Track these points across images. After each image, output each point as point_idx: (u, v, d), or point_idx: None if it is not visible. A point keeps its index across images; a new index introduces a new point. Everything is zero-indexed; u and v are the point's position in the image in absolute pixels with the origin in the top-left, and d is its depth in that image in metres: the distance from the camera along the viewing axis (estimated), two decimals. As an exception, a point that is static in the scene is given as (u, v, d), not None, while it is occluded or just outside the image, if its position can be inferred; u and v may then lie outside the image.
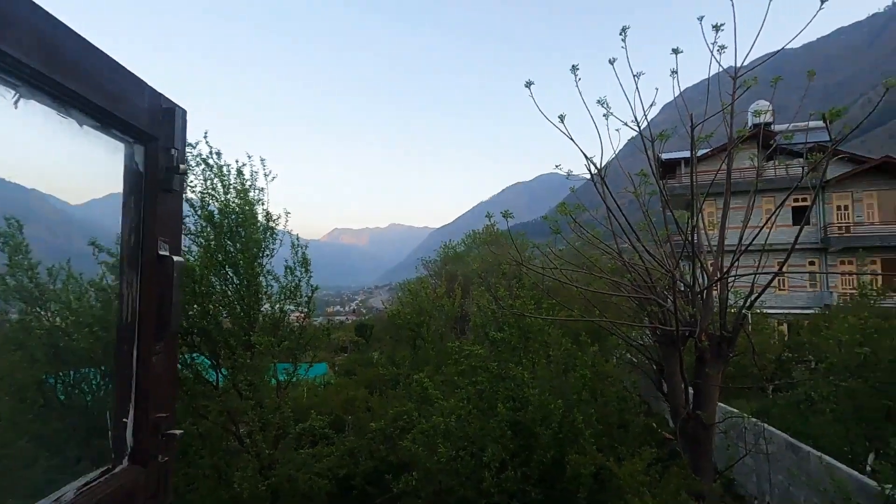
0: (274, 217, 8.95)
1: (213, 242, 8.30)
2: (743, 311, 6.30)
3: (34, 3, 0.59)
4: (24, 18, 0.58)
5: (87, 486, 0.69)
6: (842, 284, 22.83)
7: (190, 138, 7.91)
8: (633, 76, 5.91)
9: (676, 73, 6.36)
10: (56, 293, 6.15)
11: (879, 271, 21.85)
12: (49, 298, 6.07)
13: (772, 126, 23.49)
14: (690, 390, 6.82)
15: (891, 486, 5.85)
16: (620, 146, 6.83)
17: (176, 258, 0.82)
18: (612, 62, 5.80)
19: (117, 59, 0.70)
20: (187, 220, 8.26)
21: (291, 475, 7.99)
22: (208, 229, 8.34)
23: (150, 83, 0.76)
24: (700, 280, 6.42)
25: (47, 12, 0.60)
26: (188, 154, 6.84)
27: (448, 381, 9.58)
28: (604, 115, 6.24)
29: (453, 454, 7.46)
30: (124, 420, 0.75)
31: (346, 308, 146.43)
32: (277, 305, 9.26)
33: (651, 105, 6.10)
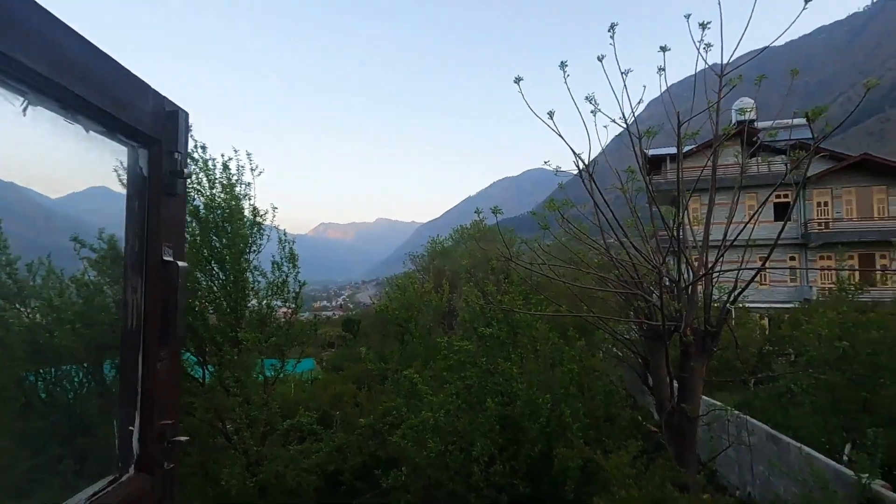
0: (261, 212, 8.86)
1: (198, 238, 8.19)
2: (727, 306, 6.42)
3: (44, 8, 0.58)
4: (34, 24, 0.57)
5: (95, 496, 0.68)
6: (821, 279, 23.37)
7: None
8: (621, 73, 5.95)
9: (664, 70, 6.42)
10: (36, 289, 6.01)
11: (857, 266, 22.43)
12: (29, 295, 5.93)
13: (755, 123, 23.87)
14: (675, 384, 6.94)
15: (867, 475, 6.03)
16: (608, 142, 6.89)
17: (180, 263, 0.81)
18: (600, 59, 5.83)
19: (120, 61, 0.67)
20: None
21: (279, 471, 7.96)
22: (193, 224, 8.22)
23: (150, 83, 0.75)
24: (685, 275, 6.52)
25: (56, 17, 0.58)
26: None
27: (437, 376, 9.60)
28: (591, 112, 6.28)
29: (442, 449, 7.49)
30: (130, 428, 0.74)
31: (333, 303, 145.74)
32: (264, 301, 9.18)
33: (638, 102, 6.15)
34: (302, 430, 8.82)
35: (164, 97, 0.81)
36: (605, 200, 6.97)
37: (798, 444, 7.89)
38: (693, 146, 18.38)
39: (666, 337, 6.79)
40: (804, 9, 5.51)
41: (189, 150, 8.30)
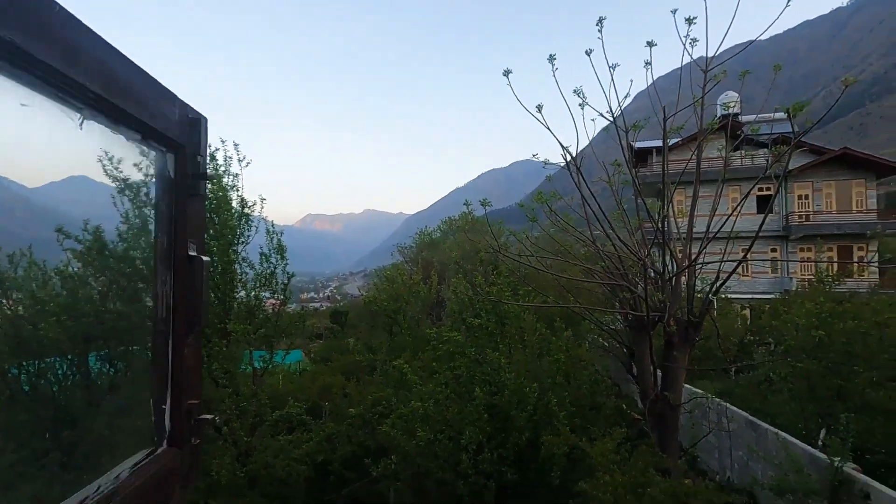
0: (249, 203, 8.79)
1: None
2: (709, 297, 6.58)
3: (97, 34, 0.64)
4: (89, 49, 0.64)
5: (137, 466, 0.77)
6: (801, 271, 23.91)
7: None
8: (609, 67, 6.01)
9: (650, 64, 6.50)
10: (18, 281, 5.93)
11: (835, 258, 22.98)
12: (10, 286, 5.85)
13: (739, 117, 24.19)
14: (659, 373, 7.12)
15: (839, 458, 6.28)
16: (595, 134, 6.96)
17: (204, 258, 0.88)
18: (588, 53, 5.87)
19: (151, 74, 0.73)
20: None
21: (269, 462, 8.00)
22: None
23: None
24: (670, 267, 6.66)
25: (107, 42, 0.65)
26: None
27: (425, 366, 9.69)
28: (579, 105, 6.34)
29: (431, 437, 7.59)
30: (163, 407, 0.82)
31: (321, 294, 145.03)
32: (253, 292, 9.15)
33: (625, 96, 6.22)
34: (291, 421, 8.86)
35: (188, 105, 0.88)
36: (591, 193, 7.07)
37: (775, 430, 8.16)
38: (679, 139, 18.60)
39: (650, 327, 6.94)
40: (787, 4, 5.62)
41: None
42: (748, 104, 25.76)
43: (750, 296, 21.09)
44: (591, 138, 6.93)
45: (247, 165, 8.70)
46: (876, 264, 21.03)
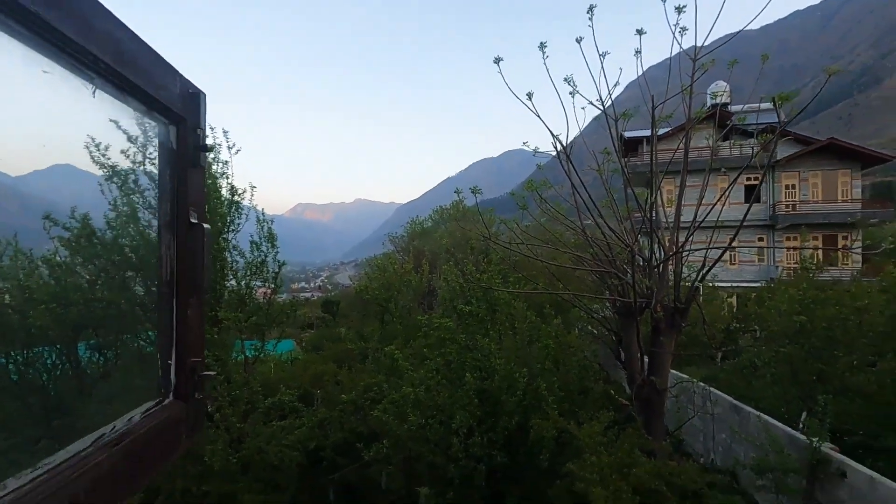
0: (239, 191, 8.75)
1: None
2: (695, 284, 6.72)
3: (107, 9, 0.70)
4: (101, 23, 0.69)
5: (147, 412, 0.85)
6: (787, 259, 24.32)
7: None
8: (599, 56, 6.04)
9: (640, 53, 6.54)
10: (3, 270, 5.88)
11: (820, 246, 23.39)
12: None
13: (728, 106, 24.36)
14: (646, 358, 7.28)
15: (817, 438, 6.50)
16: (586, 123, 7.01)
17: (205, 225, 0.95)
18: (578, 41, 5.90)
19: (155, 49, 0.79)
20: (146, 193, 7.97)
21: (261, 448, 8.07)
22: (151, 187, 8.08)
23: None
24: (657, 255, 6.78)
25: (117, 17, 0.70)
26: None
27: (417, 353, 9.79)
28: (570, 94, 6.38)
29: (423, 422, 7.71)
30: (169, 362, 0.90)
31: (312, 284, 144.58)
32: (243, 281, 9.14)
33: (615, 85, 6.28)
34: (283, 408, 8.92)
35: (189, 80, 0.93)
36: (581, 181, 7.14)
37: (758, 413, 8.39)
38: (668, 129, 18.71)
39: (637, 313, 7.08)
40: (775, -5, 5.68)
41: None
42: (739, 94, 25.89)
43: (737, 284, 21.44)
44: (581, 127, 6.98)
45: (236, 153, 8.64)
46: (859, 251, 21.44)
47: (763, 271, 24.08)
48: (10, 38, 0.58)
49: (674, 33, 6.11)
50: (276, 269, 9.51)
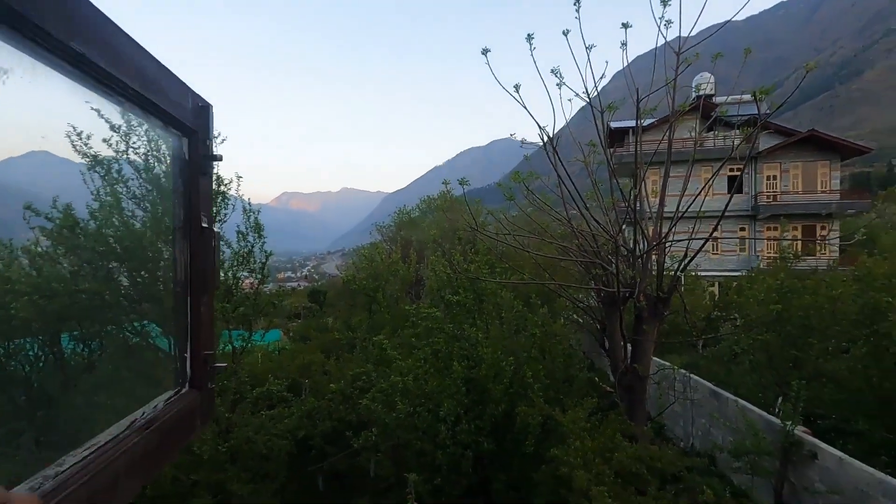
0: (225, 181, 8.66)
1: (160, 207, 7.96)
2: (678, 274, 6.88)
3: (128, 35, 0.76)
4: (125, 49, 0.75)
5: (169, 400, 0.94)
6: (767, 249, 24.85)
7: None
8: (586, 48, 6.09)
9: (626, 45, 6.60)
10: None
11: (799, 237, 23.93)
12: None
13: (714, 98, 24.63)
14: (629, 346, 7.45)
15: (790, 422, 6.76)
16: (573, 114, 7.07)
17: (214, 229, 1.04)
18: (565, 33, 5.93)
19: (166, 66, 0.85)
20: (130, 183, 7.85)
21: (250, 437, 8.12)
22: (154, 193, 7.97)
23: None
24: (641, 245, 6.91)
25: (135, 41, 0.76)
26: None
27: (405, 343, 9.87)
28: (557, 85, 6.43)
29: (411, 410, 7.82)
30: (185, 355, 0.99)
31: (298, 274, 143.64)
32: (230, 271, 9.09)
33: (601, 77, 6.33)
34: (272, 398, 8.96)
35: (198, 94, 1.00)
36: (567, 173, 7.22)
37: (735, 399, 8.67)
38: (653, 120, 18.88)
39: (621, 303, 7.23)
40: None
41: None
42: (724, 84, 26.16)
43: (719, 273, 21.88)
44: (568, 119, 7.04)
45: (222, 142, 8.53)
46: (837, 242, 22.00)
47: (744, 261, 24.58)
48: (61, 75, 0.65)
49: (658, 25, 6.18)
50: (263, 260, 9.48)
